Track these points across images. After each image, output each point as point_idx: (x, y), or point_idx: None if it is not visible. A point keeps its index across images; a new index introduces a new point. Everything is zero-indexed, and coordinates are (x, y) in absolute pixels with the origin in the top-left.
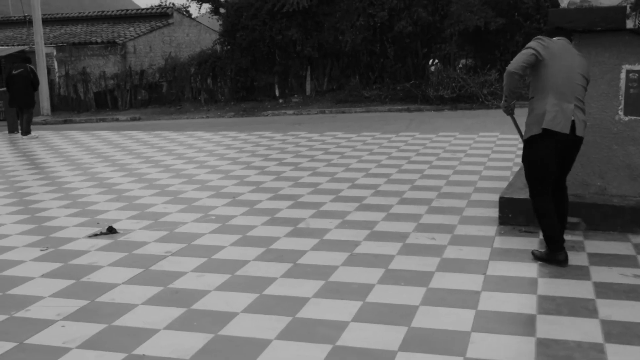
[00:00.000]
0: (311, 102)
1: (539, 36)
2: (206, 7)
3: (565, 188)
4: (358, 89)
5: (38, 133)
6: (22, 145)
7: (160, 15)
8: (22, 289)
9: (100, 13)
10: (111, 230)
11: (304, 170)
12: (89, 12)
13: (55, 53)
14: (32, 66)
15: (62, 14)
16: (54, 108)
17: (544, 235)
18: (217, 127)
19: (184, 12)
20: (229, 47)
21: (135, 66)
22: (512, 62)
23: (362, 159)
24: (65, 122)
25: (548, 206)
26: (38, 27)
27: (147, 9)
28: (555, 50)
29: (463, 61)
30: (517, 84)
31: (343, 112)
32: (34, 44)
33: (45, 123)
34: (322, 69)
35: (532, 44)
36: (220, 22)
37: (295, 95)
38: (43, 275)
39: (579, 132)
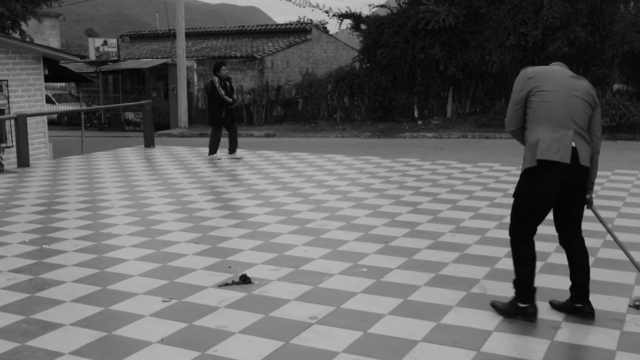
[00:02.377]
0: (452, 125)
1: (523, 68)
2: (347, 22)
3: (581, 238)
4: (504, 113)
5: (166, 148)
6: (153, 159)
7: (299, 31)
8: (137, 357)
9: (240, 28)
10: (244, 280)
11: (481, 218)
12: (230, 27)
13: (195, 66)
14: (215, 77)
15: (205, 28)
16: (192, 121)
17: (515, 283)
18: (353, 147)
19: (322, 28)
20: (368, 64)
21: (272, 81)
22: (506, 120)
23: None
24: (201, 135)
25: (530, 253)
26: (181, 41)
27: (286, 24)
28: (543, 76)
29: (616, 86)
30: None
31: (487, 138)
32: (176, 57)
33: (182, 136)
34: (465, 90)
35: (514, 83)
36: (360, 38)
37: (435, 117)
38: (162, 341)
39: (582, 161)
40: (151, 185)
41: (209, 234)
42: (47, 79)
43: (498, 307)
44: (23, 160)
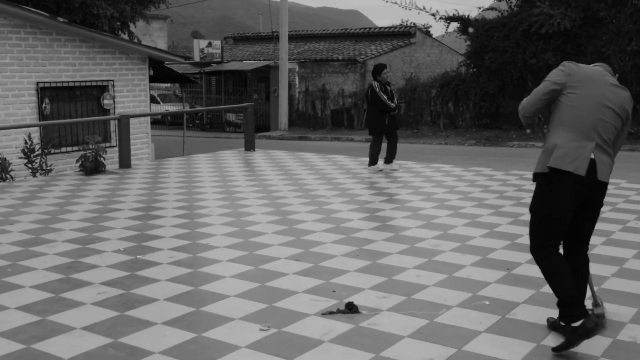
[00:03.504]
0: None
1: (565, 61)
2: (453, 26)
3: (586, 259)
4: None
5: (266, 152)
6: (251, 160)
7: (402, 35)
8: None
9: (343, 31)
10: (351, 309)
11: (616, 245)
12: (333, 30)
13: (297, 69)
14: (374, 82)
15: (307, 31)
16: (292, 123)
17: (559, 302)
18: (458, 155)
19: (426, 32)
20: (475, 69)
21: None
22: (525, 101)
23: None
24: (300, 138)
25: (559, 261)
26: (284, 43)
27: (389, 27)
28: (581, 77)
29: None
30: (533, 122)
31: None
32: (278, 59)
33: (282, 138)
34: None
35: (551, 73)
36: (467, 42)
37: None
38: None
39: (600, 176)
40: (250, 192)
41: (311, 250)
42: (152, 79)
43: (561, 347)
44: (124, 161)
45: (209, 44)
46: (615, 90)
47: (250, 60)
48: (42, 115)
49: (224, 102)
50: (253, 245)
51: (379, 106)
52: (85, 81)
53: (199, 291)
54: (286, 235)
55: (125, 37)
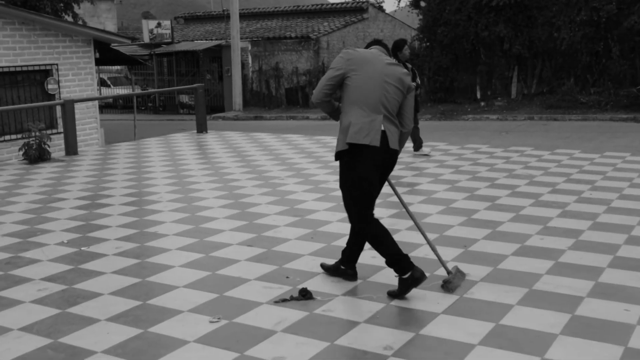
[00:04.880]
0: (517, 106)
1: (344, 49)
2: (405, 0)
3: (376, 221)
4: (573, 93)
5: (219, 133)
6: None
7: (355, 10)
8: None
9: (295, 8)
10: (305, 295)
11: (571, 216)
12: (285, 7)
13: (250, 47)
14: (395, 60)
15: (259, 8)
16: (246, 103)
17: (388, 262)
18: None
19: (378, 7)
20: (428, 43)
21: (328, 62)
22: (315, 90)
23: None
24: (255, 118)
25: (380, 227)
26: (235, 22)
27: (342, 3)
28: (359, 60)
29: None
30: (331, 107)
31: (555, 120)
32: (230, 39)
33: (236, 119)
34: (531, 70)
35: (334, 61)
36: (419, 16)
37: (499, 98)
38: None
39: (392, 145)
40: (202, 176)
41: (264, 235)
42: (99, 62)
43: (394, 294)
44: (71, 148)
45: (158, 25)
46: (391, 67)
47: (201, 40)
48: None
49: (176, 84)
50: (204, 231)
51: None
52: (27, 65)
53: (147, 283)
54: (238, 219)
55: (70, 19)
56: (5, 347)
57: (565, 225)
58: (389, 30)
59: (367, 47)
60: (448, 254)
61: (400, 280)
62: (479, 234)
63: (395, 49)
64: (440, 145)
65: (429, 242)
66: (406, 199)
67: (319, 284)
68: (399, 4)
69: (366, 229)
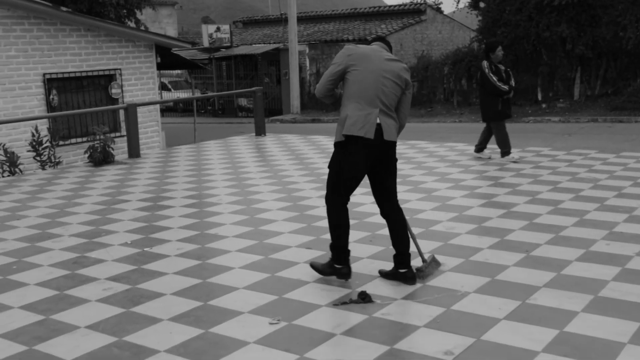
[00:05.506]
0: (580, 108)
1: (346, 45)
2: (464, 1)
3: (398, 208)
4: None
5: (277, 136)
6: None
7: (413, 12)
8: None
9: (352, 10)
10: (364, 298)
11: (638, 222)
12: (342, 10)
13: (307, 51)
14: (484, 61)
15: (316, 12)
16: (304, 106)
17: (332, 246)
18: (473, 133)
19: (436, 8)
20: None
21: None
22: (318, 84)
23: None
24: (313, 121)
25: (343, 216)
26: (293, 25)
27: (400, 5)
28: (359, 56)
29: None
30: (334, 99)
31: (621, 121)
32: (288, 42)
33: (294, 122)
34: (594, 70)
35: (336, 55)
36: (479, 17)
37: (561, 100)
38: None
39: (387, 136)
40: (261, 178)
41: (322, 237)
42: (160, 66)
43: (317, 268)
44: (133, 151)
45: (218, 29)
46: (390, 63)
47: (259, 43)
48: (50, 107)
49: (235, 87)
50: (263, 233)
51: (489, 89)
52: (92, 71)
53: (207, 284)
54: (297, 222)
55: (132, 24)
56: (74, 345)
57: (633, 231)
58: (447, 31)
59: (370, 43)
60: (508, 258)
61: (330, 266)
62: (542, 238)
63: (488, 50)
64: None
65: (411, 234)
66: (465, 202)
67: (378, 287)
68: (457, 5)
69: (330, 212)
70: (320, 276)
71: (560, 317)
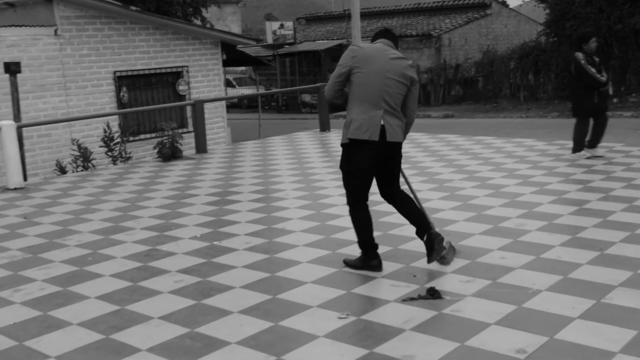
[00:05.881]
0: None
1: (351, 45)
2: None
3: (400, 189)
4: None
5: (337, 132)
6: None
7: (478, 6)
8: None
9: (416, 5)
10: (433, 294)
11: None
12: (405, 5)
13: None
14: (578, 53)
15: (379, 7)
16: None
17: (359, 242)
18: (540, 129)
19: (502, 2)
20: (555, 38)
21: (450, 60)
22: (326, 86)
23: None
24: None
25: (364, 216)
26: (356, 21)
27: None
28: (363, 57)
29: None
30: (344, 99)
31: None
32: (351, 38)
33: None
34: None
35: (342, 56)
36: (546, 10)
37: (634, 94)
38: None
39: (389, 138)
40: (326, 174)
41: (389, 233)
42: (225, 63)
43: (349, 263)
44: (201, 146)
45: (281, 26)
46: (394, 62)
47: (323, 40)
48: (120, 104)
49: (298, 83)
50: (330, 228)
51: (586, 81)
52: (161, 68)
53: (276, 278)
54: None
55: (198, 22)
56: (148, 335)
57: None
58: (513, 25)
59: (375, 38)
60: (581, 256)
61: (362, 261)
62: (616, 236)
63: (581, 41)
64: (569, 144)
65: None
66: (535, 198)
67: (447, 284)
68: None
69: (352, 212)
70: (388, 271)
71: (638, 318)
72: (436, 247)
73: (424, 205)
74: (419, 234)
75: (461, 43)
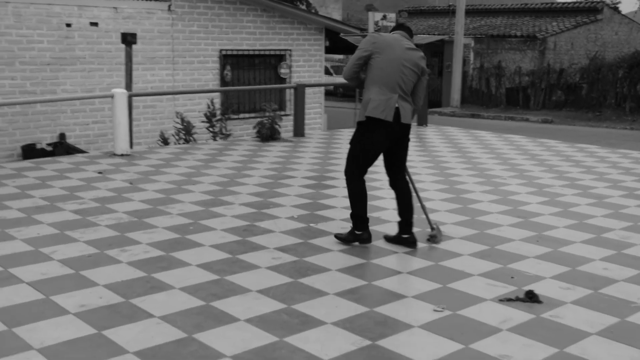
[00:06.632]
0: None
1: (373, 32)
2: None
3: (405, 181)
4: None
5: (439, 127)
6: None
7: (588, 10)
8: None
9: (523, 6)
10: (531, 297)
11: None
12: (512, 5)
13: (472, 44)
14: None
15: (484, 5)
16: (464, 100)
17: (352, 215)
18: None
19: (613, 8)
20: None
21: (554, 64)
22: (345, 68)
23: None
24: (472, 116)
25: (361, 189)
26: (460, 18)
27: (574, 3)
28: (383, 44)
29: None
30: (359, 81)
31: None
32: (453, 34)
33: (453, 115)
34: None
35: (361, 42)
36: None
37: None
38: None
39: (403, 120)
40: (423, 167)
41: (486, 232)
42: (327, 50)
43: (340, 237)
44: (299, 130)
45: (384, 17)
46: (409, 52)
47: (424, 34)
48: (223, 82)
49: None
50: (425, 222)
51: None
52: (265, 50)
53: (371, 265)
54: (459, 214)
55: (303, 7)
56: (246, 306)
57: None
58: (624, 33)
59: (393, 29)
60: None
61: (352, 233)
62: None
63: None
64: None
65: (421, 203)
66: (638, 211)
67: (546, 289)
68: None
69: (350, 183)
70: (485, 270)
71: None
72: (404, 243)
73: (520, 208)
74: (402, 230)
75: (567, 47)
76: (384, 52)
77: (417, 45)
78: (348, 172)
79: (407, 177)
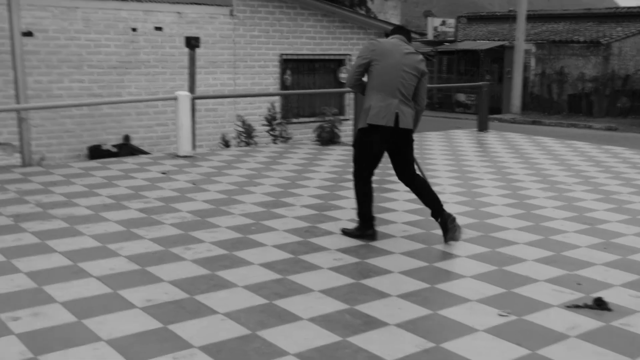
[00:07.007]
0: None
1: (370, 40)
2: None
3: (419, 177)
4: None
5: (500, 133)
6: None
7: None
8: None
9: (585, 11)
10: (600, 305)
11: None
12: (574, 10)
13: (533, 50)
14: None
15: (545, 10)
16: (524, 107)
17: (359, 213)
18: None
19: None
20: None
21: (619, 70)
22: (347, 75)
23: None
24: (533, 122)
25: (368, 189)
26: (521, 23)
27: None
28: (382, 49)
29: None
30: (363, 87)
31: None
32: (513, 40)
33: (513, 121)
34: None
35: (360, 50)
36: None
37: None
38: None
39: (402, 125)
40: (484, 172)
41: (551, 238)
42: None
43: (347, 232)
44: None
45: (443, 22)
46: (408, 57)
47: (483, 40)
48: (283, 86)
49: (455, 82)
50: (488, 226)
51: None
52: (324, 55)
53: (433, 268)
54: (524, 219)
55: (363, 12)
56: (309, 305)
57: None
58: None
59: (391, 33)
60: None
61: (359, 229)
62: None
63: None
64: None
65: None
66: None
67: (615, 296)
68: None
69: (357, 184)
70: (551, 276)
71: None
72: (449, 226)
73: (587, 215)
74: (434, 215)
75: (632, 53)
76: (383, 58)
77: (475, 51)
78: (354, 174)
79: (418, 172)
